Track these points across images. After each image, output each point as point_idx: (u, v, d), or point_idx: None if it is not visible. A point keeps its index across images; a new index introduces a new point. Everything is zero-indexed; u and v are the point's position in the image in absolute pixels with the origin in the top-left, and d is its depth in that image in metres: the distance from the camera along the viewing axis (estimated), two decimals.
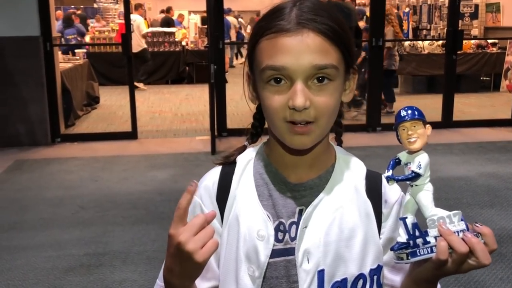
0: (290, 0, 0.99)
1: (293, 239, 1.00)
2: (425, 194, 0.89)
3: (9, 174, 5.68)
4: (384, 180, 1.07)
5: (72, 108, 7.93)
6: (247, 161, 1.08)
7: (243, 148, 1.11)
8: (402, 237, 0.90)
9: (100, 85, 10.45)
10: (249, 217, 1.01)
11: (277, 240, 1.00)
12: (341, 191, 1.03)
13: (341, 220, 1.00)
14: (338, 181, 1.04)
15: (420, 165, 0.87)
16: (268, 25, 0.96)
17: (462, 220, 0.88)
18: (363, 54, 7.86)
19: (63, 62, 8.53)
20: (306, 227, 0.99)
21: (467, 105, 9.28)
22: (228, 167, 1.08)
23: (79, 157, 6.32)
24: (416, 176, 0.88)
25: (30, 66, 6.58)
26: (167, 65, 12.61)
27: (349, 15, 7.41)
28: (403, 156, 0.91)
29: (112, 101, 10.41)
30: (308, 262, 0.98)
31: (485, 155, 6.21)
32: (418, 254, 0.90)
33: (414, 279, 0.96)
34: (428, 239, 0.89)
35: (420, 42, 11.41)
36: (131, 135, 7.17)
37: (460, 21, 9.21)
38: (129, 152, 6.55)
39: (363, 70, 7.64)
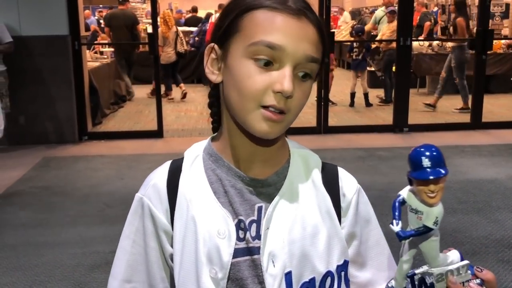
0: None
1: (254, 238, 0.94)
2: (433, 244, 0.83)
3: (36, 171, 5.76)
4: (340, 173, 1.03)
5: (99, 107, 8.01)
6: (195, 156, 1.02)
7: None
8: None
9: None
10: (207, 216, 0.95)
11: (238, 239, 0.94)
12: (300, 187, 0.98)
13: (303, 217, 0.96)
14: (296, 177, 0.99)
15: (438, 221, 0.80)
16: None
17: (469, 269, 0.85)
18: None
19: (90, 61, 8.62)
20: (268, 228, 0.94)
21: (496, 106, 9.10)
22: (177, 161, 1.02)
23: (106, 155, 6.38)
24: (429, 230, 0.81)
25: (58, 65, 6.67)
26: (193, 65, 12.64)
27: None
28: (409, 197, 0.82)
29: (139, 100, 10.49)
30: (274, 265, 0.93)
31: None
32: None
33: None
34: None
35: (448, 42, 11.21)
36: (157, 133, 7.20)
37: (490, 20, 9.05)
38: (155, 151, 6.59)
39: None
